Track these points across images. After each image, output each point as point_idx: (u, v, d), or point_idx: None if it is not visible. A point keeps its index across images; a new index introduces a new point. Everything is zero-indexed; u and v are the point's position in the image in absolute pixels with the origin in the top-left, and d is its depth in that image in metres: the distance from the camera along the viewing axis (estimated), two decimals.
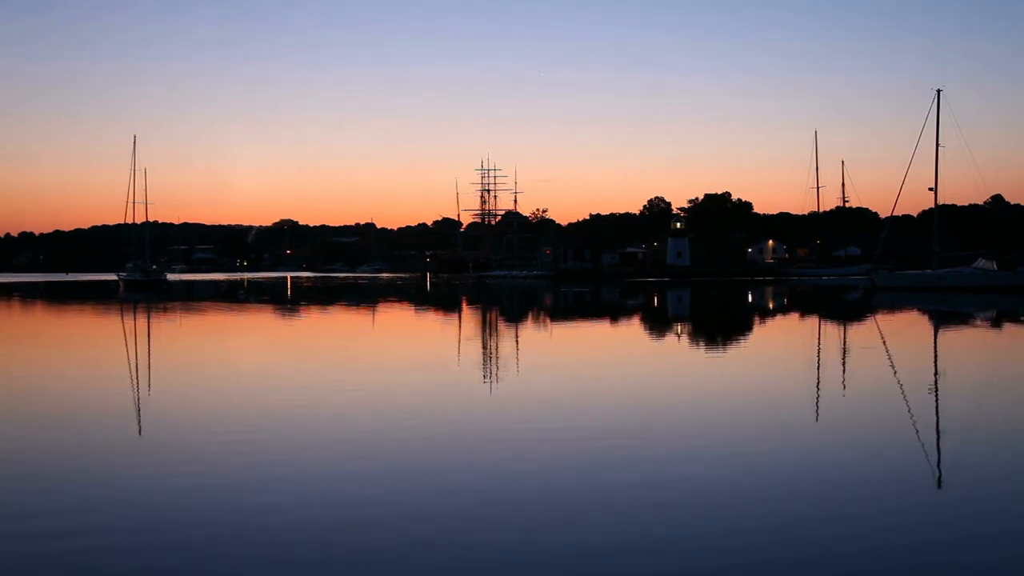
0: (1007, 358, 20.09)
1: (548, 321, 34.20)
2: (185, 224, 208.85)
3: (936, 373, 16.54)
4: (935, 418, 11.42)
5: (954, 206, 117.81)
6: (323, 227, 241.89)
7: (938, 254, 60.41)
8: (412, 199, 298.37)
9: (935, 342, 24.19)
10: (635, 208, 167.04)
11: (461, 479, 8.22)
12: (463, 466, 8.74)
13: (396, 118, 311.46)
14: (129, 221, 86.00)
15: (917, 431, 10.49)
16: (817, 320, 33.45)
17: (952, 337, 26.01)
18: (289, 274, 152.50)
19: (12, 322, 35.33)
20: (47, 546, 6.38)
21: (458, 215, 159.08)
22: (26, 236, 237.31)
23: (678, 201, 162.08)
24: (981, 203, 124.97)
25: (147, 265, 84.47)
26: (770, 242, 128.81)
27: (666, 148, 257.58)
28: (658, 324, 32.28)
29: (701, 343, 24.64)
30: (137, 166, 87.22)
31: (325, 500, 7.52)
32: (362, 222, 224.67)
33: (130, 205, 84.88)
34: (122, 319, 35.10)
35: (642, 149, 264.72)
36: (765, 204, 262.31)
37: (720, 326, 31.69)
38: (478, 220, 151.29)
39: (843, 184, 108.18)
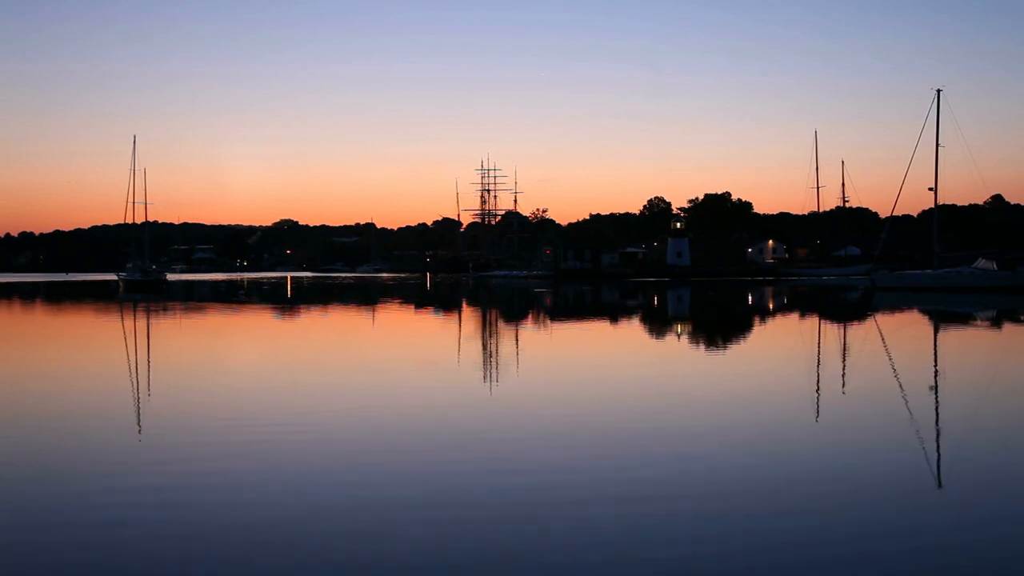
0: (1007, 358, 20.08)
1: (548, 321, 34.18)
2: (185, 224, 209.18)
3: (936, 373, 16.53)
4: (935, 418, 11.41)
5: (954, 206, 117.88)
6: (323, 227, 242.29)
7: (938, 254, 60.41)
8: (412, 199, 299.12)
9: (935, 342, 24.18)
10: (635, 208, 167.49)
11: (461, 482, 8.21)
12: (463, 469, 8.73)
13: (396, 118, 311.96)
14: (129, 221, 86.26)
15: (917, 431, 10.48)
16: (817, 320, 33.45)
17: (952, 337, 25.99)
18: (289, 274, 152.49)
19: (12, 322, 35.31)
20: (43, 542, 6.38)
21: (458, 215, 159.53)
22: (26, 236, 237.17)
23: (678, 201, 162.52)
24: (981, 203, 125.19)
25: (147, 265, 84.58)
26: (770, 242, 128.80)
27: (666, 148, 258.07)
28: (658, 324, 32.26)
29: (700, 344, 24.62)
30: (137, 166, 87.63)
31: (324, 504, 7.51)
32: (362, 222, 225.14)
33: (130, 205, 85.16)
34: (121, 319, 35.08)
35: (642, 149, 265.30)
36: (765, 204, 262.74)
37: (720, 327, 31.67)
38: (478, 220, 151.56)
39: (843, 184, 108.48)
